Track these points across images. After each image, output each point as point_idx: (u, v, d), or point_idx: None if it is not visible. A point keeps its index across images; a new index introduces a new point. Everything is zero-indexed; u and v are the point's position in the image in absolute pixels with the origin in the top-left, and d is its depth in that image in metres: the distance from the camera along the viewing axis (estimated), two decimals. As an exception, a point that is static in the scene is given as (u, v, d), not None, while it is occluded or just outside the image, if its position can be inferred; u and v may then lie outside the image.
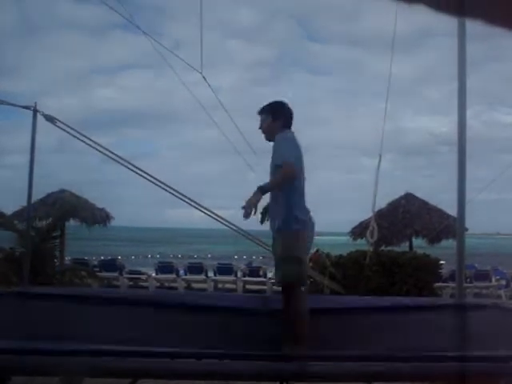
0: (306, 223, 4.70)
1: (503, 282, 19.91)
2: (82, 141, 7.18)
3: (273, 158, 4.85)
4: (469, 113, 6.96)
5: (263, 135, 5.08)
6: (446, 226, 15.59)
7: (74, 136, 7.18)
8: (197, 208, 7.43)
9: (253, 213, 4.52)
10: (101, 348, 3.49)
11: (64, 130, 7.16)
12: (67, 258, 17.90)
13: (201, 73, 7.76)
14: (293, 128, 5.02)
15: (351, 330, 4.88)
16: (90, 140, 7.23)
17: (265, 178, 7.59)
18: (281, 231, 4.64)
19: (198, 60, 7.82)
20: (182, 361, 3.44)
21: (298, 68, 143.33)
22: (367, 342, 4.46)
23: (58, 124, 7.14)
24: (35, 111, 7.24)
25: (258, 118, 5.07)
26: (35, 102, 7.33)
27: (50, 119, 7.12)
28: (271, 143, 4.95)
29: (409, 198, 18.38)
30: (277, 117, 4.98)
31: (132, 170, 7.26)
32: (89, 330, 4.36)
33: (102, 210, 19.95)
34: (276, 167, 4.74)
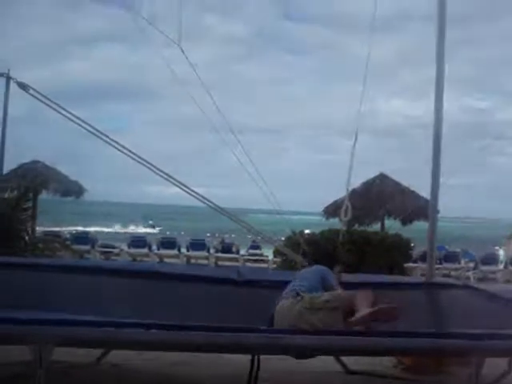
0: None
1: (472, 265, 20.25)
2: (55, 110, 7.05)
3: None
4: (443, 97, 7.01)
5: None
6: (418, 208, 15.77)
7: (48, 105, 7.04)
8: (174, 184, 7.35)
9: None
10: (73, 318, 3.47)
11: (38, 98, 7.02)
12: (39, 230, 17.73)
13: (179, 45, 7.64)
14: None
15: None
16: (64, 110, 7.10)
17: (239, 155, 7.58)
18: None
19: (174, 34, 7.69)
20: (154, 332, 3.43)
21: (275, 46, 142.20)
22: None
23: (32, 92, 7.00)
24: (8, 78, 7.10)
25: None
26: (8, 69, 7.19)
27: (23, 87, 6.97)
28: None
29: (382, 178, 18.54)
30: None
31: (109, 144, 7.14)
32: (60, 300, 4.35)
33: (75, 182, 19.77)
34: None
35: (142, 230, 48.69)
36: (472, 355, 3.53)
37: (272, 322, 4.32)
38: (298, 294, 4.45)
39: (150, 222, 56.69)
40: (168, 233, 37.20)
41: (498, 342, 3.59)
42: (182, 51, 7.71)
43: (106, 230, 42.06)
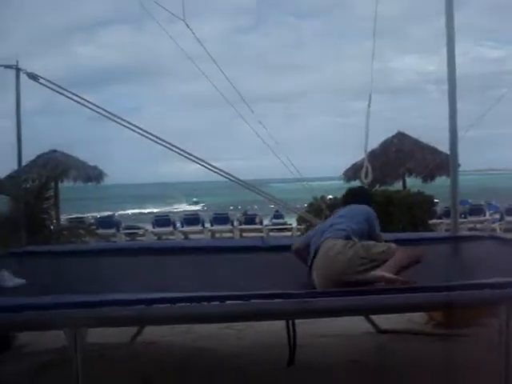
0: None
1: (497, 216, 20.12)
2: (68, 97, 7.06)
3: None
4: (456, 50, 6.88)
5: None
6: (439, 164, 15.61)
7: (59, 93, 7.05)
8: (192, 160, 7.35)
9: None
10: (103, 298, 3.51)
11: (48, 87, 7.03)
12: (63, 218, 17.92)
13: (184, 20, 7.58)
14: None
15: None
16: (77, 96, 7.11)
17: (254, 126, 7.54)
18: None
19: (179, 10, 7.62)
20: (185, 305, 3.47)
21: (282, 12, 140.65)
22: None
23: (42, 81, 7.01)
24: (18, 70, 7.12)
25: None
26: (17, 61, 7.20)
27: (33, 77, 6.98)
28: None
29: (400, 137, 18.37)
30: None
31: (123, 125, 7.15)
32: (93, 283, 4.41)
33: (95, 167, 19.87)
34: None
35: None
36: (499, 304, 3.52)
37: (312, 262, 4.16)
38: (349, 237, 4.16)
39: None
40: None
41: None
42: (187, 26, 7.65)
43: (129, 212, 42.44)
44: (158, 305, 3.43)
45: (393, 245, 4.18)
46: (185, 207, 50.24)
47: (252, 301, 3.52)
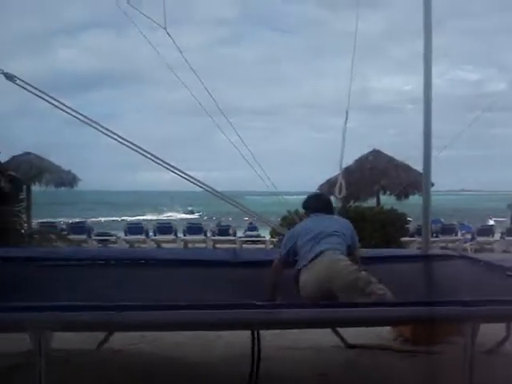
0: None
1: (469, 236, 20.36)
2: (44, 100, 6.98)
3: None
4: (434, 71, 6.98)
5: None
6: (412, 182, 15.78)
7: (36, 95, 6.98)
8: (169, 169, 7.34)
9: None
10: (69, 303, 3.48)
11: (25, 88, 6.96)
12: (34, 222, 17.71)
13: (165, 28, 7.58)
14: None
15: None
16: (53, 99, 7.05)
17: (232, 137, 7.56)
18: None
19: (160, 19, 7.63)
20: (154, 312, 3.45)
21: (262, 26, 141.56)
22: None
23: (19, 82, 6.93)
24: (-6, 70, 7.01)
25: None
26: (-6, 60, 7.10)
27: (10, 78, 6.89)
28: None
29: (376, 154, 18.54)
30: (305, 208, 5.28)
31: (100, 131, 7.10)
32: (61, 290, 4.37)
33: (69, 172, 19.71)
34: None
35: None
36: (465, 321, 3.57)
37: (305, 266, 4.39)
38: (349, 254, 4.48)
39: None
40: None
41: (490, 307, 3.63)
42: (168, 34, 7.65)
43: (101, 219, 42.05)
44: (125, 311, 3.41)
45: (389, 293, 4.24)
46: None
47: (215, 310, 3.52)
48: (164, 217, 45.68)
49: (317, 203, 5.20)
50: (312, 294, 4.28)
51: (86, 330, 4.09)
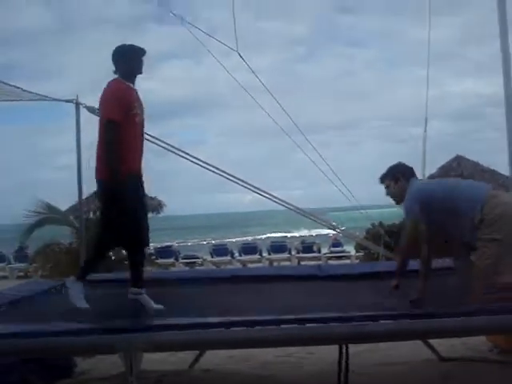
0: None
1: None
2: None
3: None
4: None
5: (393, 200, 5.07)
6: (500, 186, 15.21)
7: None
8: (253, 191, 7.44)
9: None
10: (158, 323, 3.55)
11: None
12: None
13: (237, 51, 7.71)
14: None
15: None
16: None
17: (312, 155, 7.53)
18: None
19: (233, 43, 7.78)
20: (242, 329, 3.48)
21: (334, 42, 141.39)
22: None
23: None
24: (77, 104, 7.33)
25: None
26: (77, 95, 7.41)
27: (92, 110, 7.17)
28: None
29: (460, 160, 17.98)
30: (397, 178, 4.98)
31: (185, 158, 7.34)
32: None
33: (154, 198, 20.16)
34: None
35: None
36: None
37: None
38: None
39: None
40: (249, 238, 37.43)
41: None
42: (241, 57, 7.79)
43: (188, 243, 42.73)
44: (214, 329, 3.45)
45: None
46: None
47: (302, 325, 3.49)
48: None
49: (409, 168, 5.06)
50: None
51: (170, 350, 4.16)
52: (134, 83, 4.90)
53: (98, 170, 4.72)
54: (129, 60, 4.82)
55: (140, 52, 4.89)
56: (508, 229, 4.43)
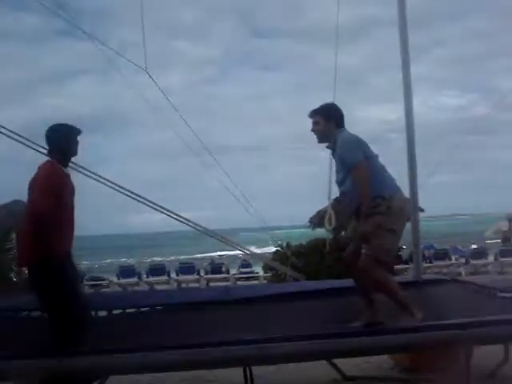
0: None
1: (463, 260, 20.30)
2: (31, 148, 6.96)
3: (341, 156, 4.91)
4: (416, 99, 7.04)
5: (316, 137, 5.05)
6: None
7: (22, 143, 6.98)
8: (159, 210, 7.35)
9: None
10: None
11: (11, 137, 6.96)
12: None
13: (145, 69, 7.66)
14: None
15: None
16: (39, 146, 7.04)
17: (221, 177, 7.56)
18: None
19: (143, 61, 7.72)
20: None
21: (246, 65, 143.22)
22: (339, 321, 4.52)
23: (4, 131, 6.93)
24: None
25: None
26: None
27: (-5, 125, 6.89)
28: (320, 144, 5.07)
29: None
30: (330, 118, 4.94)
31: (90, 177, 7.13)
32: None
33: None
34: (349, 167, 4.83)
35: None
36: (458, 344, 3.55)
37: None
38: None
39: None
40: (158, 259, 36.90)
41: (484, 329, 3.61)
42: (150, 76, 7.76)
43: (95, 264, 41.64)
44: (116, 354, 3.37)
45: None
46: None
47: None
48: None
49: (342, 117, 5.03)
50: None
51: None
52: (67, 165, 4.72)
53: (24, 257, 4.50)
54: (64, 141, 4.60)
55: (76, 132, 4.67)
56: (403, 223, 4.82)
